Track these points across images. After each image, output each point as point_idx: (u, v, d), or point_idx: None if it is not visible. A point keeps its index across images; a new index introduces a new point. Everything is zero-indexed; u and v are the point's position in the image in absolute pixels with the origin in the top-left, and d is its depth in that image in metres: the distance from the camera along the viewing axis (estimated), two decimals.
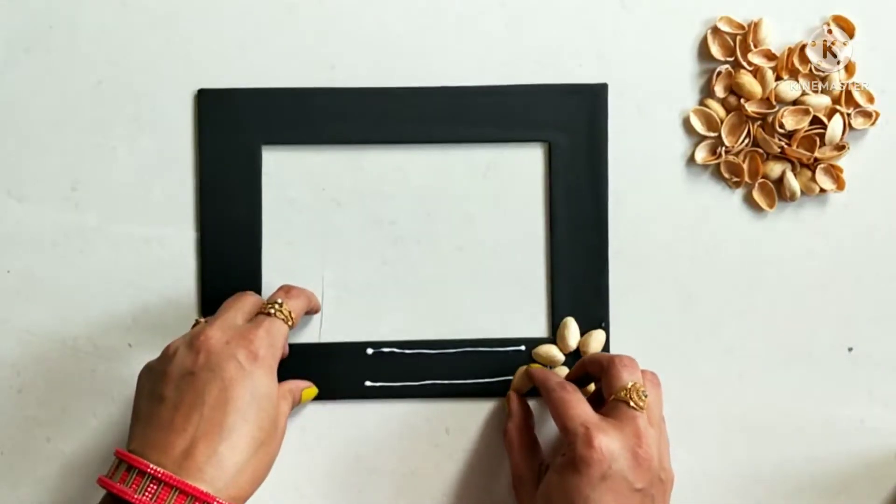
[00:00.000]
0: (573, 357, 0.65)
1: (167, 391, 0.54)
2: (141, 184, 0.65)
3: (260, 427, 0.54)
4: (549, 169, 0.65)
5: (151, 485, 0.51)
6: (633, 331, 0.65)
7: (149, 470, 0.51)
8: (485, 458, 0.65)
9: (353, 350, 0.65)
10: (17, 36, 0.65)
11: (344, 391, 0.65)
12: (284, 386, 0.60)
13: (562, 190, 0.65)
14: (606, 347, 0.65)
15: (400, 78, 0.65)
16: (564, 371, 0.64)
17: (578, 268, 0.65)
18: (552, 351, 0.64)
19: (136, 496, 0.51)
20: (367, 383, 0.65)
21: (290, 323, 0.58)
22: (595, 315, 0.65)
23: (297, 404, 0.62)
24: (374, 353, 0.65)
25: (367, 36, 0.65)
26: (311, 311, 0.63)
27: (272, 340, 0.56)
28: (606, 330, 0.65)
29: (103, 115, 0.65)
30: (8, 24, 0.65)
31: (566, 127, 0.65)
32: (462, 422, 0.65)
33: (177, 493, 0.51)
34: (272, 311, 0.57)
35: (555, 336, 0.65)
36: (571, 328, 0.64)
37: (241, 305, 0.58)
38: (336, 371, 0.64)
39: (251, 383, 0.54)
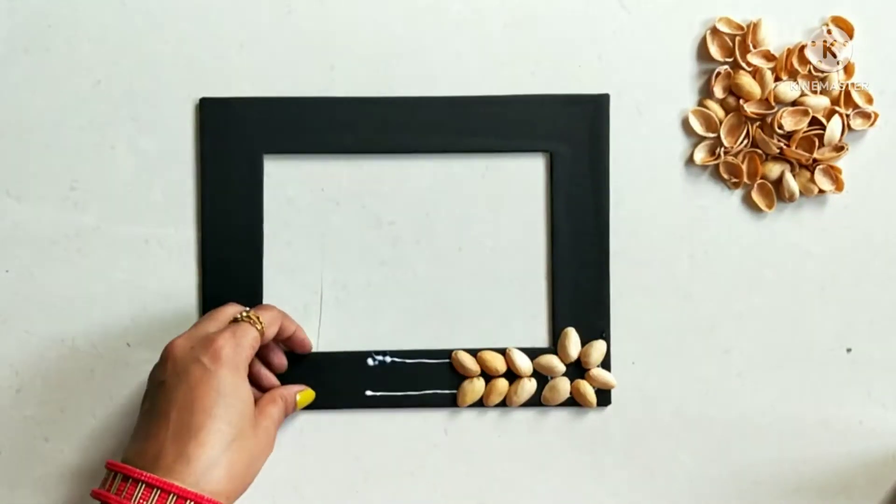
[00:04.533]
0: (574, 367, 0.65)
1: (145, 404, 0.57)
2: (140, 184, 0.65)
3: (228, 423, 0.55)
4: (551, 179, 0.65)
5: (131, 486, 0.53)
6: (632, 331, 0.65)
7: (132, 474, 0.53)
8: (483, 458, 0.65)
9: (353, 360, 0.64)
10: (17, 36, 0.65)
11: (344, 401, 0.64)
12: (276, 391, 0.61)
13: (563, 200, 0.65)
14: (607, 357, 0.65)
15: (400, 87, 0.65)
16: (565, 382, 0.64)
17: (580, 278, 0.65)
18: (553, 361, 0.64)
19: (120, 499, 0.53)
20: (368, 393, 0.65)
21: (258, 327, 0.58)
22: (596, 325, 0.65)
23: (292, 409, 0.62)
24: (374, 363, 0.64)
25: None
26: (293, 338, 0.62)
27: (238, 341, 0.57)
28: (607, 340, 0.65)
29: (102, 114, 0.65)
30: (7, 24, 0.65)
31: (567, 137, 0.65)
32: (461, 423, 0.65)
33: (158, 493, 0.53)
34: (239, 317, 0.59)
35: (556, 346, 0.65)
36: (572, 338, 0.64)
37: (216, 316, 0.59)
38: (336, 380, 0.64)
39: (216, 382, 0.55)
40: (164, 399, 0.55)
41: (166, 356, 0.57)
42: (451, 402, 0.65)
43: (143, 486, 0.53)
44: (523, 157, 0.65)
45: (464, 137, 0.65)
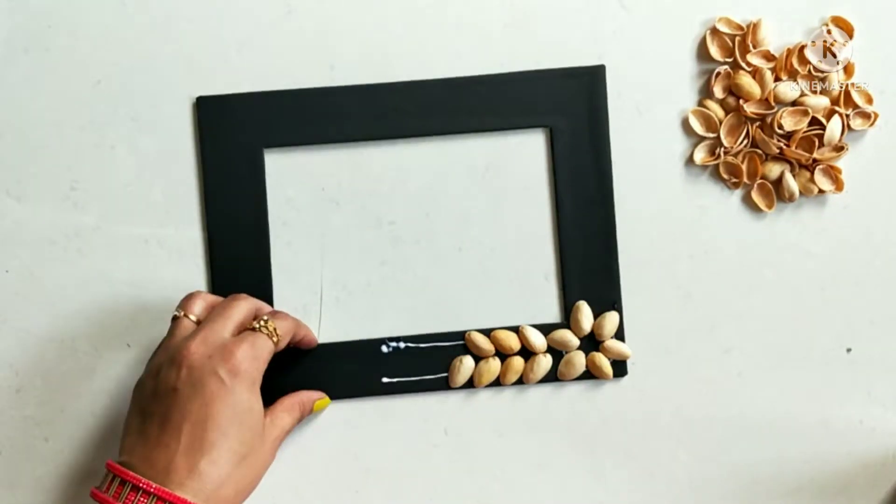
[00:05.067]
0: (588, 340, 0.65)
1: (153, 407, 0.55)
2: (140, 183, 0.65)
3: (241, 442, 0.55)
4: (552, 153, 0.65)
5: (142, 497, 0.53)
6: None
7: (141, 484, 0.53)
8: (483, 458, 0.65)
9: (366, 347, 0.64)
10: (17, 36, 0.65)
11: (362, 389, 0.64)
12: (296, 399, 0.61)
13: (566, 173, 0.65)
14: (621, 328, 0.65)
15: (396, 72, 0.65)
16: (580, 356, 0.64)
17: (587, 250, 0.65)
18: (567, 335, 0.64)
19: None
20: (385, 379, 0.65)
21: (274, 339, 0.58)
22: (607, 296, 0.65)
23: (306, 416, 0.62)
24: (388, 349, 0.64)
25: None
26: (302, 340, 0.62)
27: (256, 354, 0.56)
28: (619, 311, 0.65)
29: (102, 114, 0.65)
30: (7, 24, 0.65)
31: (566, 111, 0.65)
32: (460, 422, 0.65)
33: None
34: (257, 326, 0.58)
35: (568, 320, 0.65)
36: (584, 311, 0.64)
37: (228, 314, 0.58)
38: (351, 369, 0.64)
39: (232, 399, 0.55)
40: (176, 409, 0.54)
41: (181, 361, 0.55)
42: (469, 384, 0.65)
43: (155, 498, 0.52)
44: (523, 134, 0.65)
45: (463, 118, 0.65)
